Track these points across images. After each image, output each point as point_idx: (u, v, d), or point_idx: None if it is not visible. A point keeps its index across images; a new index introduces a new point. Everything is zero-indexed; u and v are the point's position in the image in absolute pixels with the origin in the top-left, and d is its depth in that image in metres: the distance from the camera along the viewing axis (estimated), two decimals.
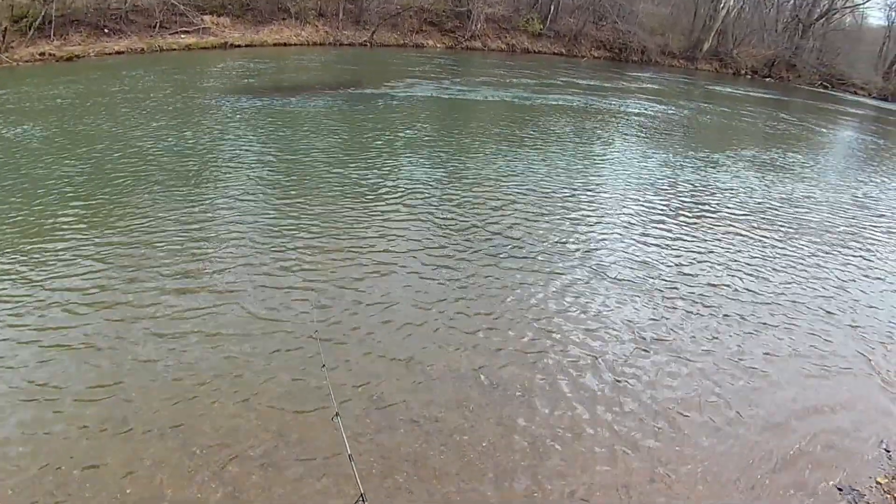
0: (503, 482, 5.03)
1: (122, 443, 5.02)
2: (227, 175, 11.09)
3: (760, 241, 11.06)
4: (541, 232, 9.96)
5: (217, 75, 21.02)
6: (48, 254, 7.81)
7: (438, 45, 36.34)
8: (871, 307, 9.03)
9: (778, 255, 10.45)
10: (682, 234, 10.80)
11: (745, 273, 9.51)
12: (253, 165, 11.75)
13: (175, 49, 25.52)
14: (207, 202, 9.80)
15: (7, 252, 7.83)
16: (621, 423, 5.86)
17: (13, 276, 7.26)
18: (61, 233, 8.41)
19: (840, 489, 5.39)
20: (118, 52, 23.55)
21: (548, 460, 5.31)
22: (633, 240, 10.20)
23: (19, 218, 8.77)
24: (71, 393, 5.50)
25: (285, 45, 30.05)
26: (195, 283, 7.41)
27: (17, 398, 5.39)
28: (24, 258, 7.69)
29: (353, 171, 11.94)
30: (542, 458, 5.32)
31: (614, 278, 8.69)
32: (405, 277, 8.05)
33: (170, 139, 12.90)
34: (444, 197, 11.12)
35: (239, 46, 27.92)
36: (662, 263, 9.42)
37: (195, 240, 8.48)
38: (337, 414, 4.29)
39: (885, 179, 18.42)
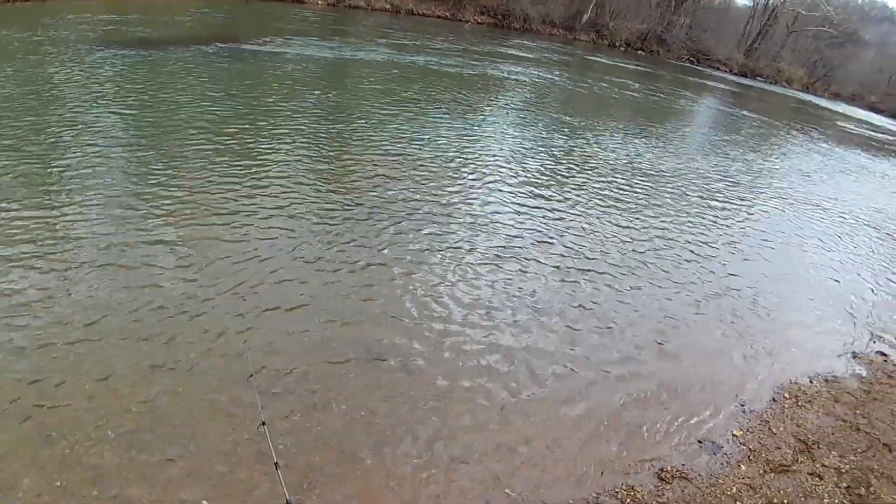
0: (382, 449, 4.83)
1: None
2: (89, 134, 9.73)
3: (623, 207, 11.41)
4: (417, 198, 9.65)
5: (78, 27, 18.71)
6: None
7: (320, 2, 34.82)
8: (727, 271, 9.57)
9: (645, 220, 10.83)
10: (555, 200, 10.92)
11: (612, 237, 9.77)
12: (118, 124, 10.48)
13: None
14: (66, 163, 8.57)
15: None
16: (498, 386, 5.77)
17: None
18: None
19: (700, 442, 5.62)
20: None
21: (427, 426, 5.14)
22: (510, 206, 10.14)
23: None
24: None
25: None
26: (50, 253, 6.48)
27: None
28: None
29: (228, 132, 11.00)
30: (421, 424, 5.14)
31: (492, 246, 8.58)
32: (279, 244, 7.48)
33: (22, 96, 11.35)
34: (320, 161, 10.51)
35: None
36: (534, 229, 9.43)
37: (50, 201, 7.44)
38: (263, 423, 3.82)
39: (741, 150, 19.75)
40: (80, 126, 10.07)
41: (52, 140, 9.37)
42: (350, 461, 4.68)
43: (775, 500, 5.06)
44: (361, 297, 6.79)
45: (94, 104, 11.31)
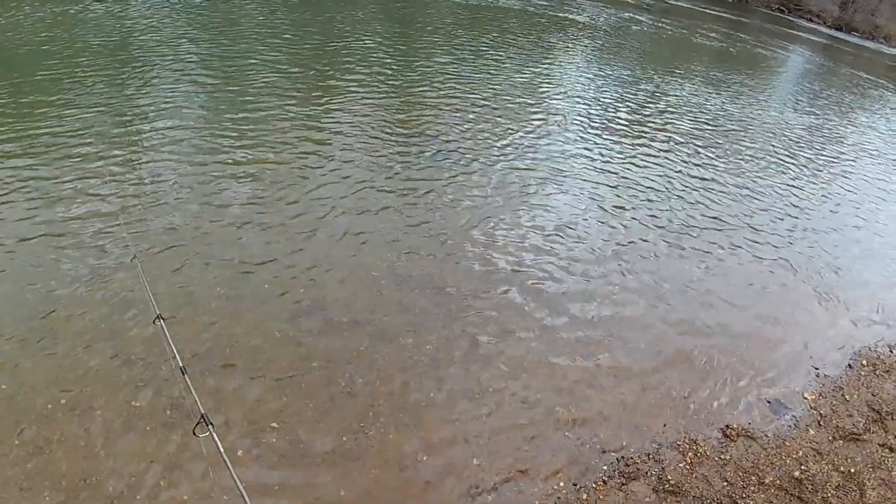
0: (442, 382, 4.89)
1: None
2: (158, 72, 9.97)
3: (705, 158, 10.94)
4: (484, 139, 9.50)
5: None
6: None
7: None
8: (811, 230, 9.11)
9: (722, 174, 10.36)
10: (626, 146, 10.56)
11: (690, 189, 9.40)
12: (187, 63, 10.59)
13: None
14: (140, 101, 8.84)
15: None
16: (563, 330, 5.73)
17: None
18: None
19: (769, 402, 5.47)
20: None
21: (489, 364, 5.18)
22: (580, 150, 9.89)
23: None
24: None
25: None
26: (125, 182, 6.72)
27: None
28: None
29: (294, 72, 11.01)
30: (484, 362, 5.18)
31: (560, 188, 8.43)
32: (348, 181, 7.53)
33: (91, 37, 11.54)
34: (389, 99, 10.44)
35: None
36: (605, 173, 9.19)
37: (126, 139, 7.67)
38: (159, 319, 3.62)
39: (834, 106, 18.57)
40: (156, 65, 10.26)
41: (129, 79, 9.63)
42: (412, 393, 4.75)
43: (842, 468, 4.91)
44: (428, 233, 6.80)
45: (168, 45, 11.47)
